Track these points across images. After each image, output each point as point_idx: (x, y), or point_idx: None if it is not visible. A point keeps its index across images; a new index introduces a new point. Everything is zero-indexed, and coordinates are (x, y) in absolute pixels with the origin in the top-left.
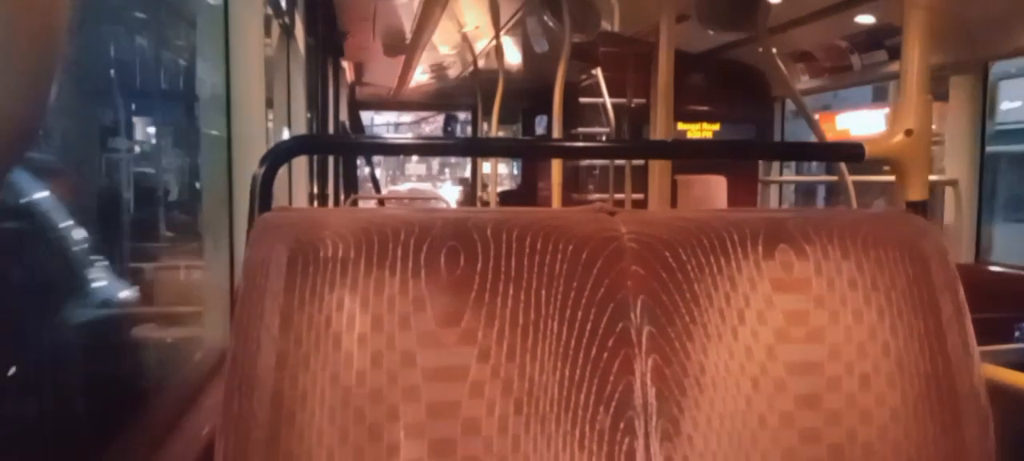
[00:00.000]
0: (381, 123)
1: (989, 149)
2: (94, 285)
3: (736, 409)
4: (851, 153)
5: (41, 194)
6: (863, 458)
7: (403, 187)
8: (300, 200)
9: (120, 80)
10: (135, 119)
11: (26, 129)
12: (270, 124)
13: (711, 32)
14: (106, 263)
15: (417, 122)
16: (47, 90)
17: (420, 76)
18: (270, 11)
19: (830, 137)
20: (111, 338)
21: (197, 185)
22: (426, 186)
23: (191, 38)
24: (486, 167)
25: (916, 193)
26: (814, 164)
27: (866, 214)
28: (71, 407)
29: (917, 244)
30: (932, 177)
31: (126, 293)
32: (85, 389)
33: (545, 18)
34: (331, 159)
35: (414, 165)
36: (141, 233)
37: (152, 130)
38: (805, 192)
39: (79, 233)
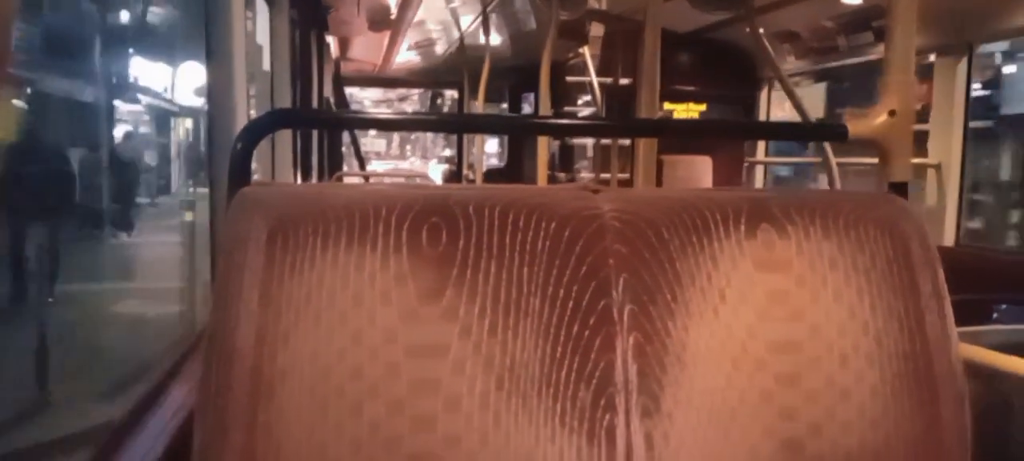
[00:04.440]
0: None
1: None
2: None
3: (716, 386)
4: (834, 133)
5: None
6: (841, 435)
7: (380, 166)
8: (284, 176)
9: None
10: None
11: None
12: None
13: (699, 11)
14: None
15: (396, 100)
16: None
17: (406, 53)
18: None
19: None
20: None
21: None
22: (409, 165)
23: None
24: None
25: (899, 174)
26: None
27: (848, 194)
28: None
29: (897, 225)
30: (916, 160)
31: None
32: None
33: None
34: (316, 135)
35: (371, 140)
36: None
37: None
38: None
39: None
